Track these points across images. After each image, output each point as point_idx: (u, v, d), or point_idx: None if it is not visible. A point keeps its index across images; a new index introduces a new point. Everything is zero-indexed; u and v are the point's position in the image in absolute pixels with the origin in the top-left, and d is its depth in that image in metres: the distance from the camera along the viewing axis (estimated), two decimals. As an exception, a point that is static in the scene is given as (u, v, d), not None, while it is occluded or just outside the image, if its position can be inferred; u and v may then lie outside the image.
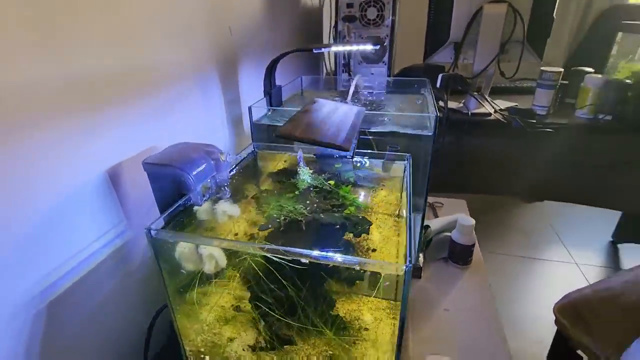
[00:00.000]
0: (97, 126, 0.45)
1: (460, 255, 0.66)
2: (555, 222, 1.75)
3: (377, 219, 0.50)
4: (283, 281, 0.41)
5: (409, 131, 0.65)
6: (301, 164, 0.60)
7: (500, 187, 1.19)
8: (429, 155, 0.63)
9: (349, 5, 1.04)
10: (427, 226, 0.71)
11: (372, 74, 1.12)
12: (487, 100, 1.11)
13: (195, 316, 0.48)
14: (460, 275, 0.69)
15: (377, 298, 0.44)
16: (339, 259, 0.35)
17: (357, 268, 0.40)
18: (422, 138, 0.65)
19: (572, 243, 1.58)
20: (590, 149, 1.04)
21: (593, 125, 1.04)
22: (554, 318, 0.77)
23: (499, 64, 1.12)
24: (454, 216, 0.70)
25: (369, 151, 0.63)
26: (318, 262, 0.36)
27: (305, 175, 0.59)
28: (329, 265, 0.38)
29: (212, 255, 0.41)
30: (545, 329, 0.88)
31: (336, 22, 1.07)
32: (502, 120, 1.05)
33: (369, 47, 0.77)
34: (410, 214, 0.44)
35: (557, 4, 1.03)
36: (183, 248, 0.42)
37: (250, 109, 0.72)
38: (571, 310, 0.76)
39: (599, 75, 1.05)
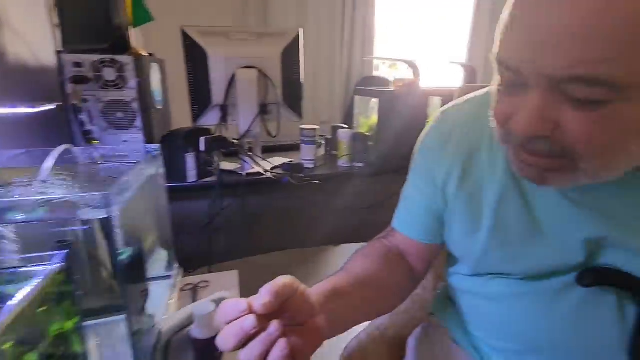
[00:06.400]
0: None
1: (204, 355, 0.53)
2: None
3: None
4: None
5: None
6: None
7: (290, 240, 1.19)
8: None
9: (77, 65, 0.88)
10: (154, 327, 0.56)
11: (125, 141, 0.96)
12: (254, 161, 1.12)
13: None
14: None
15: None
16: None
17: None
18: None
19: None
20: (353, 193, 1.16)
21: (351, 172, 1.18)
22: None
23: (265, 124, 1.16)
24: (194, 305, 0.57)
25: None
26: None
27: None
28: None
29: None
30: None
31: (62, 84, 0.88)
32: (273, 178, 1.06)
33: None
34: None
35: (301, 72, 1.15)
36: None
37: None
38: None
39: (348, 130, 1.21)
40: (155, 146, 0.70)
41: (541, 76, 0.30)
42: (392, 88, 1.15)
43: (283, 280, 0.34)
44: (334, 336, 0.42)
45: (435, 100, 1.24)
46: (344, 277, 0.49)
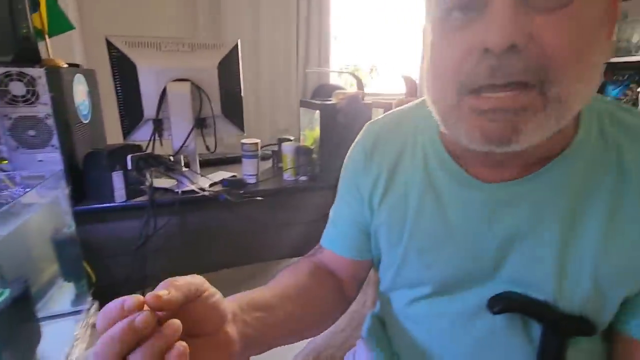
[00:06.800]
0: None
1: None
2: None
3: None
4: None
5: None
6: None
7: (232, 258, 1.15)
8: None
9: (-24, 78, 0.79)
10: None
11: (41, 161, 0.88)
12: (189, 178, 1.06)
13: None
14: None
15: None
16: None
17: None
18: None
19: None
20: (296, 207, 1.14)
21: (296, 186, 1.15)
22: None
23: (204, 138, 1.11)
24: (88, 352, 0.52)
25: None
26: None
27: None
28: None
29: None
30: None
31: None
32: (209, 196, 1.01)
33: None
34: None
35: (241, 84, 1.11)
36: None
37: None
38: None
39: (291, 143, 1.18)
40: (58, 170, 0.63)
41: None
42: (334, 100, 1.13)
43: (189, 277, 0.30)
44: (253, 354, 0.38)
45: (379, 112, 1.24)
46: (265, 290, 0.45)
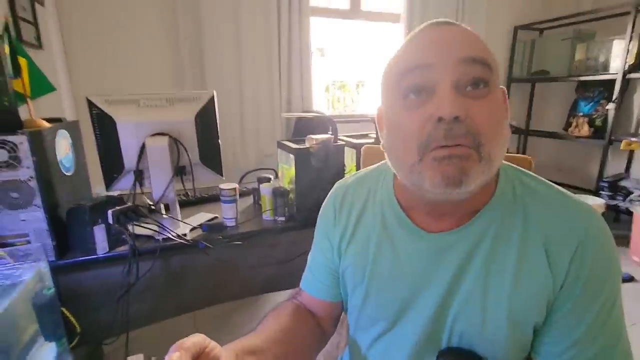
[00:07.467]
0: None
1: None
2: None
3: None
4: None
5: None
6: None
7: (213, 296, 1.19)
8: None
9: (-38, 149, 0.84)
10: None
11: (24, 220, 0.92)
12: (167, 229, 1.11)
13: None
14: None
15: None
16: None
17: None
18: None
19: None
20: (275, 246, 1.19)
21: (274, 227, 1.20)
22: None
23: (183, 184, 1.15)
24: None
25: None
26: None
27: None
28: None
29: None
30: None
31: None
32: (188, 243, 1.06)
33: None
34: None
35: (218, 132, 1.17)
36: None
37: None
38: None
39: (268, 185, 1.24)
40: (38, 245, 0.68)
41: (450, 64, 0.42)
42: (307, 144, 1.19)
43: (192, 337, 0.38)
44: None
45: (352, 152, 1.30)
46: (256, 336, 0.54)
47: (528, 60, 3.02)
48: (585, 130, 2.67)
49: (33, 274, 0.67)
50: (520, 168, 0.55)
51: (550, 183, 0.52)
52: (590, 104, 2.74)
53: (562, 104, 3.07)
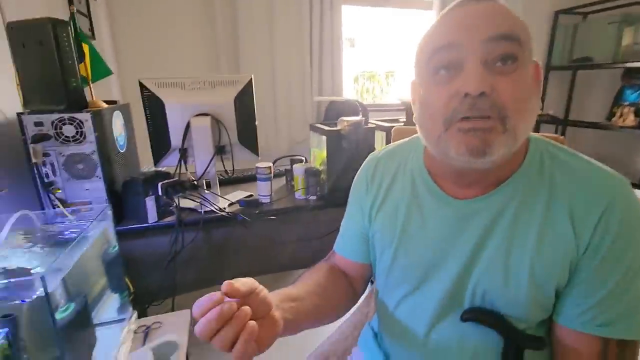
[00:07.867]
0: None
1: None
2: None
3: None
4: None
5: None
6: None
7: (250, 267, 1.27)
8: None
9: (38, 124, 0.96)
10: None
11: (88, 189, 1.04)
12: (210, 201, 1.19)
13: None
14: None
15: None
16: None
17: None
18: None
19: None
20: (306, 224, 1.25)
21: (306, 205, 1.26)
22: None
23: (223, 163, 1.24)
24: (132, 354, 0.65)
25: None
26: None
27: None
28: None
29: None
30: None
31: (25, 142, 0.96)
32: (228, 215, 1.14)
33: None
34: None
35: (255, 114, 1.24)
36: None
37: None
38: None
39: (301, 165, 1.30)
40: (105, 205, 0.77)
41: (477, 43, 0.44)
42: (339, 127, 1.24)
43: (243, 279, 0.44)
44: (288, 334, 0.51)
45: (381, 134, 1.34)
46: (295, 287, 0.60)
47: (570, 46, 2.88)
48: (630, 119, 2.52)
49: (100, 232, 0.77)
50: (552, 141, 0.56)
51: (581, 155, 0.53)
52: (638, 92, 2.59)
53: (606, 93, 2.90)
